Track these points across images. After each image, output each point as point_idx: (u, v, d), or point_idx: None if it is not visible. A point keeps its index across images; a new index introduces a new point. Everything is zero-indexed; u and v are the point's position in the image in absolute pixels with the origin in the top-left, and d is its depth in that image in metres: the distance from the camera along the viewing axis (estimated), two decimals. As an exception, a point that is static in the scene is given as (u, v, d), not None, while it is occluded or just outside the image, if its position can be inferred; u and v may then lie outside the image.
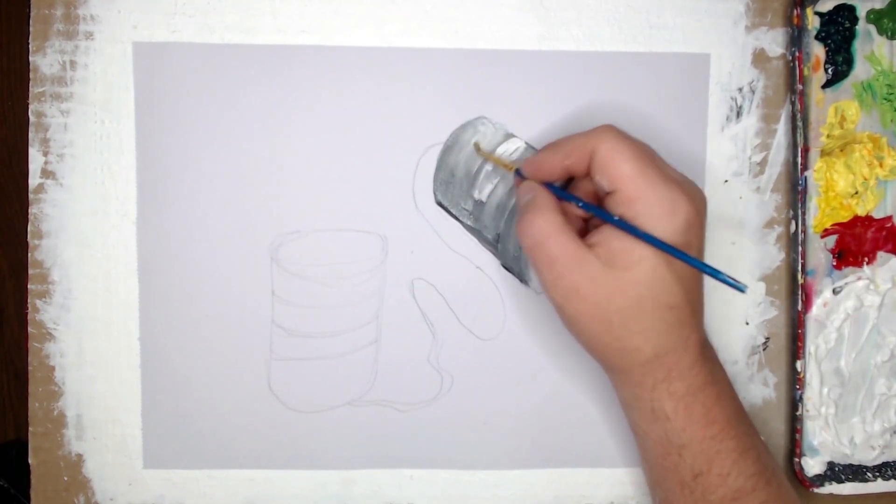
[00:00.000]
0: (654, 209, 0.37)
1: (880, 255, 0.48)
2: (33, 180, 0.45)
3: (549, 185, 0.40)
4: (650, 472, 0.41)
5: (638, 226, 0.37)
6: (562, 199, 0.40)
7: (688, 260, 0.37)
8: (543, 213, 0.38)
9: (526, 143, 0.46)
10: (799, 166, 0.46)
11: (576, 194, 0.40)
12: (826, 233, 0.47)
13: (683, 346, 0.38)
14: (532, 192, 0.40)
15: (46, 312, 0.46)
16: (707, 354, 0.40)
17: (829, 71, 0.47)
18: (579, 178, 0.40)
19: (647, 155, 0.38)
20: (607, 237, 0.38)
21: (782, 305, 0.48)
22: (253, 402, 0.47)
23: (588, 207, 0.39)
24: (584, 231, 0.40)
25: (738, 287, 0.36)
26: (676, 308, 0.38)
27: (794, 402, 0.47)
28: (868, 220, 0.47)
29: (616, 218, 0.37)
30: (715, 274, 0.36)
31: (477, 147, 0.45)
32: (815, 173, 0.47)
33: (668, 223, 0.37)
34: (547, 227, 0.38)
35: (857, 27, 0.47)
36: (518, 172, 0.41)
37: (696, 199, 0.38)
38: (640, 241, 0.37)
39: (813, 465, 0.47)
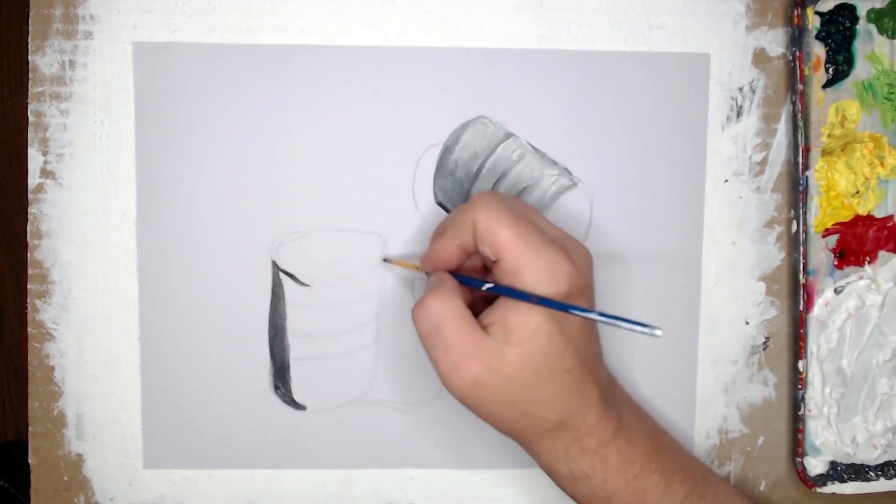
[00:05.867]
0: (537, 274, 0.36)
1: (882, 254, 0.48)
2: (33, 180, 0.45)
3: (454, 274, 0.40)
4: None
5: (530, 288, 0.37)
6: (466, 285, 0.39)
7: (587, 314, 0.36)
8: (440, 297, 0.38)
9: (526, 142, 0.46)
10: (800, 166, 0.46)
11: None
12: (827, 232, 0.47)
13: (587, 403, 0.38)
14: (436, 278, 0.40)
15: (46, 312, 0.46)
16: (611, 400, 0.40)
17: (830, 70, 0.47)
18: (473, 253, 0.40)
19: (526, 218, 0.38)
20: (502, 313, 0.37)
21: (782, 305, 0.48)
22: (253, 402, 0.47)
23: (491, 289, 0.38)
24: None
25: (650, 332, 0.35)
26: (573, 370, 0.38)
27: (796, 402, 0.47)
28: (869, 219, 0.47)
29: (511, 289, 0.37)
30: (619, 321, 0.36)
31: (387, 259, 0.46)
32: (816, 173, 0.47)
33: (550, 287, 0.36)
34: (443, 310, 0.37)
35: (857, 27, 0.47)
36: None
37: (577, 258, 0.38)
38: (534, 313, 0.36)
39: (815, 465, 0.47)
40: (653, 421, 0.43)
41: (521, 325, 0.37)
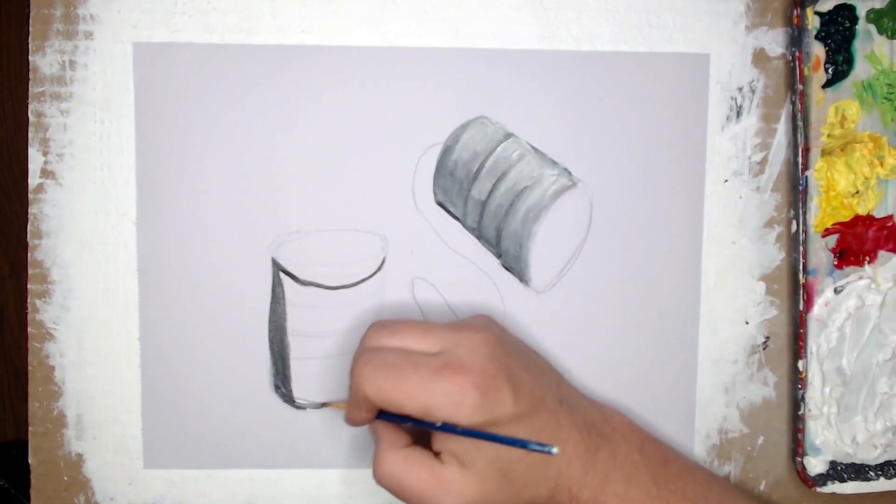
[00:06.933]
0: (444, 411, 0.36)
1: (881, 254, 0.48)
2: (33, 180, 0.45)
3: (384, 416, 0.40)
4: None
5: (446, 420, 0.37)
6: (395, 423, 0.40)
7: (494, 438, 0.37)
8: (388, 455, 0.38)
9: (526, 142, 0.46)
10: (800, 166, 0.46)
11: None
12: (827, 232, 0.47)
13: (566, 462, 0.38)
14: (373, 431, 0.40)
15: (46, 312, 0.46)
16: (597, 441, 0.39)
17: (830, 70, 0.47)
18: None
19: (404, 363, 0.38)
20: (444, 440, 0.38)
21: (782, 305, 0.48)
22: (253, 402, 0.47)
23: (414, 423, 0.38)
24: None
25: (547, 451, 0.36)
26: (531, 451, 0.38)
27: (796, 402, 0.47)
28: (869, 219, 0.47)
29: (438, 425, 0.37)
30: (521, 444, 0.36)
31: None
32: (816, 173, 0.47)
33: (463, 412, 0.36)
34: (393, 467, 0.38)
35: (857, 27, 0.47)
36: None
37: (469, 362, 0.37)
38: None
39: (815, 465, 0.47)
40: (660, 449, 0.42)
41: (463, 445, 0.37)
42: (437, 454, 0.38)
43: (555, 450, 0.36)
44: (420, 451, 0.38)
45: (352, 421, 0.40)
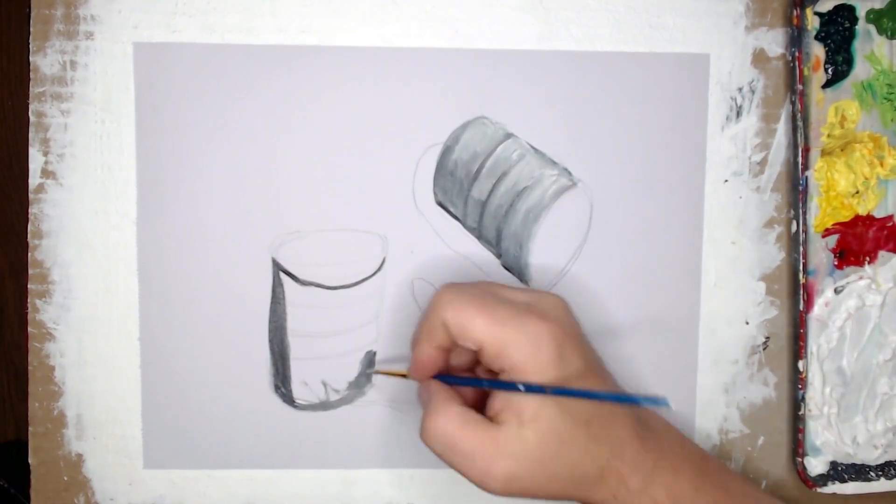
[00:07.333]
0: (522, 350, 0.36)
1: (882, 254, 0.48)
2: (33, 180, 0.45)
3: (442, 377, 0.40)
4: None
5: (518, 373, 0.37)
6: (460, 385, 0.39)
7: (588, 395, 0.37)
8: (439, 412, 0.37)
9: (526, 142, 0.46)
10: (800, 166, 0.46)
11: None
12: (827, 232, 0.47)
13: (620, 443, 0.38)
14: (427, 391, 0.40)
15: (46, 312, 0.46)
16: (646, 432, 0.39)
17: (829, 71, 0.47)
18: (454, 348, 0.40)
19: (491, 297, 0.38)
20: (506, 397, 0.37)
21: (782, 305, 0.48)
22: (253, 402, 0.47)
23: (486, 384, 0.38)
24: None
25: (663, 403, 0.36)
26: (590, 421, 0.37)
27: (796, 402, 0.47)
28: (869, 219, 0.47)
29: (513, 384, 0.37)
30: (632, 401, 0.36)
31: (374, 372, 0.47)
32: (816, 173, 0.47)
33: (540, 359, 0.36)
34: (448, 425, 0.37)
35: (856, 27, 0.47)
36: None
37: (553, 312, 0.38)
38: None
39: (816, 465, 0.47)
40: (697, 446, 0.42)
41: (527, 402, 0.37)
42: (492, 419, 0.37)
43: (671, 402, 0.36)
44: (475, 413, 0.38)
45: (419, 363, 0.40)
